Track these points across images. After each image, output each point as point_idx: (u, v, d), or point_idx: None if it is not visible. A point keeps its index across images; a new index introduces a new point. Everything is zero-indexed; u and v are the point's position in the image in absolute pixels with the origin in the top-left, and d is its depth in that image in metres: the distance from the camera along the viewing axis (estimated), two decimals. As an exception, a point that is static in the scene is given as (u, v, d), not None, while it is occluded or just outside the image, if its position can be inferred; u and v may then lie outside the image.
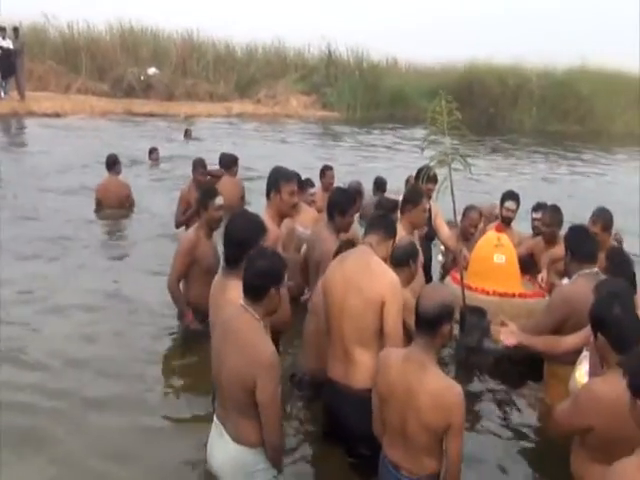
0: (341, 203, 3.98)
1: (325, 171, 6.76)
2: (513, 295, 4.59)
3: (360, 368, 2.86)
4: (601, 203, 4.90)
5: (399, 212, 4.19)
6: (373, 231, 3.02)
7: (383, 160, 13.38)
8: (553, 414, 2.55)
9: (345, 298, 2.89)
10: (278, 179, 3.62)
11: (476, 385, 4.16)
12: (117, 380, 3.94)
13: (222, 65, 22.15)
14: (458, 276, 4.46)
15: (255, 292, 2.39)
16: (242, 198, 6.92)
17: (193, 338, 4.16)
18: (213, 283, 3.08)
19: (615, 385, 2.16)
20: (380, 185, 6.56)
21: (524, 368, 4.05)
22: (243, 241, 2.80)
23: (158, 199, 8.28)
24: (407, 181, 6.20)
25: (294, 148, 14.19)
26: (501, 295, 4.57)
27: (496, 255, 4.72)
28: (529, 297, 4.59)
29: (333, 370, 3.00)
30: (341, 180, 6.47)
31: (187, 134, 13.84)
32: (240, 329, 2.37)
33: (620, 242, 4.76)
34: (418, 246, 3.70)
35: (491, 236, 4.89)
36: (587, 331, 2.92)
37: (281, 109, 20.61)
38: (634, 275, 3.67)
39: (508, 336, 3.30)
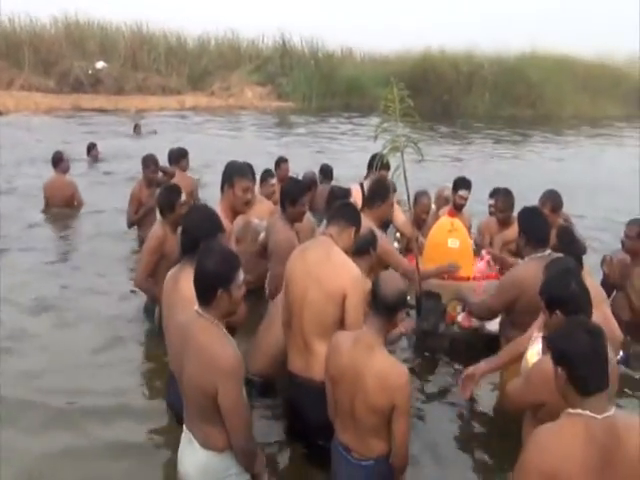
0: (292, 193, 3.99)
1: (280, 163, 6.72)
2: (468, 278, 4.68)
3: (321, 360, 2.83)
4: (551, 184, 5.06)
5: (365, 207, 4.19)
6: (334, 221, 3.00)
7: (339, 149, 13.41)
8: (506, 392, 2.61)
9: (305, 290, 2.88)
10: (232, 174, 3.59)
11: (433, 368, 4.25)
12: (73, 392, 3.81)
13: (174, 57, 21.73)
14: (414, 262, 4.51)
15: (203, 295, 2.30)
16: (192, 193, 6.82)
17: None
18: (166, 279, 3.04)
19: None
20: (326, 173, 6.51)
21: (480, 349, 4.12)
22: (199, 236, 2.77)
23: (105, 197, 8.08)
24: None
25: (250, 140, 14.08)
26: (456, 279, 4.65)
27: (450, 240, 4.79)
28: (483, 279, 4.69)
29: (293, 363, 3.00)
30: (298, 171, 6.43)
31: (136, 129, 13.56)
32: (197, 335, 2.29)
33: (568, 222, 4.92)
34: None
35: (444, 221, 4.96)
36: (540, 322, 3.00)
37: (236, 101, 20.42)
38: (582, 253, 3.79)
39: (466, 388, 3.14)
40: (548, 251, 3.47)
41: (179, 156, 6.83)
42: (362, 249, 3.39)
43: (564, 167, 12.18)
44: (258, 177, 5.26)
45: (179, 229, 4.02)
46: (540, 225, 3.54)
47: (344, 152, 12.83)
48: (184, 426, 2.46)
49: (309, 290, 2.88)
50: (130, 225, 6.18)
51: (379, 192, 4.13)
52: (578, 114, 21.13)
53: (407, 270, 4.07)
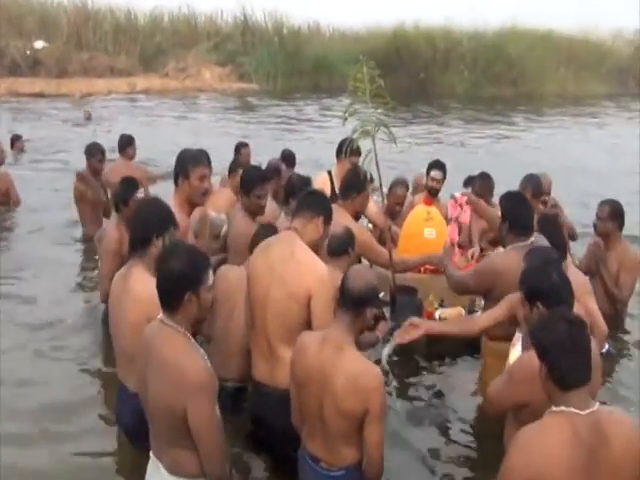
0: (245, 181, 3.98)
1: (240, 149, 6.66)
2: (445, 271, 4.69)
3: (286, 367, 2.81)
4: (533, 167, 5.14)
5: (339, 199, 4.14)
6: (298, 213, 2.98)
7: (306, 133, 13.41)
8: (487, 394, 2.64)
9: (268, 291, 2.87)
10: (186, 163, 3.55)
11: (409, 370, 4.29)
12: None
13: (123, 35, 21.31)
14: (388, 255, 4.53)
15: (168, 300, 2.26)
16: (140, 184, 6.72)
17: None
18: (114, 280, 2.98)
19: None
20: (288, 159, 6.47)
21: (460, 347, 4.20)
22: (149, 232, 2.77)
23: (40, 191, 7.91)
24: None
25: (209, 125, 13.97)
26: (433, 272, 4.70)
27: (426, 230, 4.87)
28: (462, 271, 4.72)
29: (258, 371, 2.99)
30: (262, 158, 6.39)
31: (87, 116, 13.34)
32: (161, 347, 2.25)
33: (557, 207, 4.99)
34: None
35: (420, 210, 5.01)
36: (503, 307, 3.04)
37: (193, 83, 20.18)
38: (565, 242, 3.86)
39: (405, 332, 3.05)
40: (531, 239, 3.51)
41: (124, 143, 6.73)
42: (339, 250, 3.39)
43: (546, 149, 12.39)
44: (219, 166, 5.18)
45: None
46: (524, 211, 3.58)
47: (311, 137, 12.82)
48: (150, 452, 2.40)
49: (272, 290, 2.86)
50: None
51: (354, 183, 4.13)
52: (561, 92, 21.52)
53: (388, 262, 4.07)
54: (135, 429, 2.75)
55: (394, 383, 3.86)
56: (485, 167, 5.92)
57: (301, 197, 3.07)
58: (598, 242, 4.64)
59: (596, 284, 4.39)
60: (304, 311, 2.80)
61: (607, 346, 4.03)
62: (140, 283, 2.79)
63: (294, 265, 2.83)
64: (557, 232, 4.21)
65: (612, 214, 4.53)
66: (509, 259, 3.42)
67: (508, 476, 1.99)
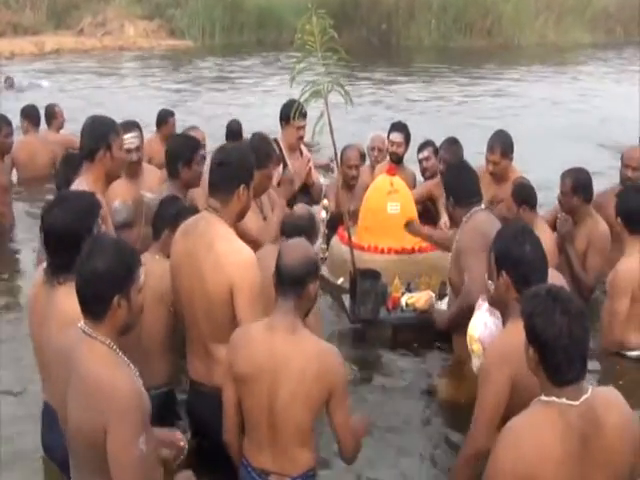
0: (184, 150, 3.99)
1: (167, 118, 6.61)
2: (412, 250, 4.77)
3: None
4: (509, 130, 5.22)
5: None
6: (212, 189, 2.93)
7: (250, 96, 13.34)
8: (471, 437, 2.61)
9: (192, 287, 2.90)
10: (106, 132, 3.53)
11: (372, 364, 4.32)
12: None
13: (27, -14, 20.75)
14: (346, 234, 4.52)
15: (92, 307, 2.22)
16: (55, 164, 6.56)
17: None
18: (30, 295, 2.92)
19: (519, 337, 2.23)
20: (234, 132, 6.37)
21: (429, 336, 4.27)
22: (70, 235, 2.68)
23: None
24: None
25: (133, 90, 13.79)
26: (398, 252, 4.74)
27: (390, 204, 4.84)
28: (431, 250, 4.78)
29: (194, 369, 3.04)
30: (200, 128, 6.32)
31: (7, 82, 13.13)
32: (83, 362, 2.20)
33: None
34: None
35: (382, 181, 4.99)
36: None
37: (113, 41, 19.86)
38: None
39: None
40: (482, 206, 3.65)
41: (30, 113, 6.58)
42: (298, 234, 3.31)
43: (524, 109, 12.60)
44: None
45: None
46: (467, 178, 3.71)
47: (255, 101, 12.75)
48: None
49: (195, 286, 2.89)
50: None
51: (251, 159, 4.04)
52: (541, 42, 21.84)
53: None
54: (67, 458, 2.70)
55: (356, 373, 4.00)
56: (458, 130, 5.97)
57: (212, 170, 3.00)
58: (565, 217, 4.63)
59: (561, 266, 4.32)
60: (229, 309, 2.82)
61: None
62: (69, 304, 2.67)
63: (213, 257, 2.82)
64: (533, 200, 4.38)
65: (575, 187, 4.53)
66: (484, 218, 3.54)
67: (496, 474, 2.06)
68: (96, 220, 2.85)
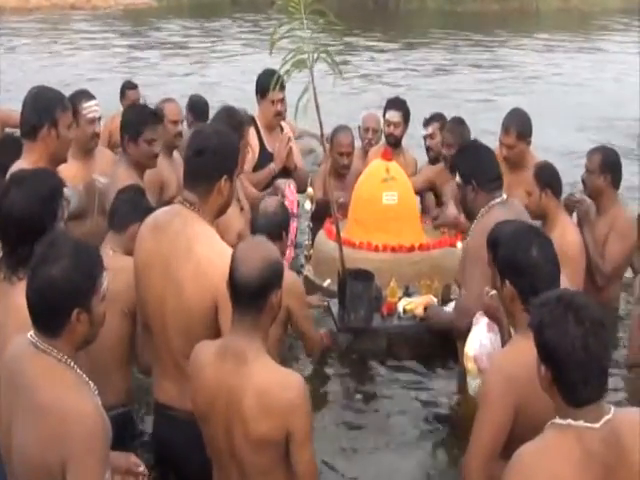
0: (132, 122, 4.07)
1: (126, 90, 6.60)
2: (412, 248, 4.77)
3: None
4: (528, 107, 5.24)
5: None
6: (190, 181, 2.87)
7: (222, 65, 13.39)
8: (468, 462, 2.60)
9: (164, 297, 2.85)
10: (52, 107, 3.55)
11: (364, 379, 4.32)
12: None
13: None
14: (334, 228, 4.55)
15: (47, 321, 2.19)
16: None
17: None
18: None
19: (527, 354, 2.24)
20: (198, 110, 6.23)
21: (431, 348, 4.29)
22: (31, 222, 2.70)
23: None
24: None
25: (86, 57, 13.77)
26: (395, 249, 4.74)
27: (385, 194, 4.86)
28: (434, 248, 4.80)
29: (163, 390, 2.99)
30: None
31: None
32: (34, 382, 2.18)
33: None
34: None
35: (377, 167, 5.00)
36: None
37: (62, -3, 19.77)
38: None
39: None
40: (504, 195, 3.65)
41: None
42: (272, 234, 3.34)
43: (532, 84, 12.69)
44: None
45: None
46: (488, 157, 3.70)
47: (227, 71, 12.76)
48: None
49: (168, 297, 2.84)
50: None
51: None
52: (563, 7, 21.94)
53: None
54: None
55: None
56: (463, 109, 5.99)
57: (188, 157, 2.95)
58: (582, 197, 4.66)
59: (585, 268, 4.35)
60: (210, 325, 2.77)
61: None
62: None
63: (193, 264, 2.76)
64: (559, 186, 4.38)
65: (603, 165, 4.56)
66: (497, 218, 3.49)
67: None
68: (61, 203, 2.85)
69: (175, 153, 4.84)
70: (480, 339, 3.09)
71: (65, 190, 4.06)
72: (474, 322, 3.18)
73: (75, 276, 2.18)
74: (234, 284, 2.43)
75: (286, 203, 4.61)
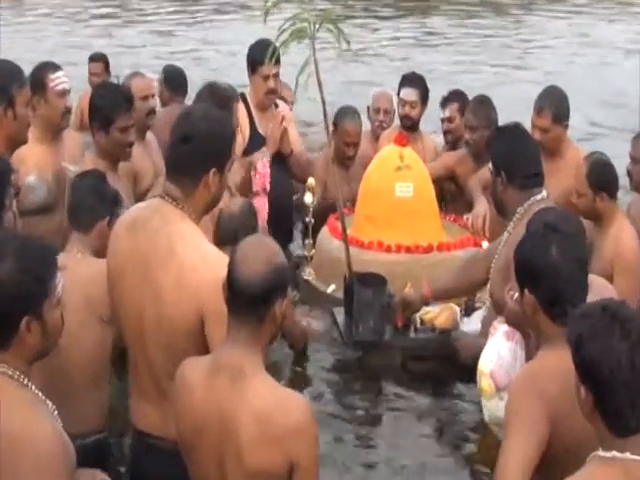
0: (103, 107, 4.09)
1: (92, 63, 6.75)
2: (429, 248, 4.72)
3: None
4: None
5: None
6: (173, 172, 2.85)
7: (209, 36, 13.44)
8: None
9: (143, 308, 2.84)
10: (7, 83, 3.57)
11: (375, 401, 4.28)
12: None
13: None
14: (339, 225, 4.54)
15: None
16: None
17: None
18: None
19: (560, 369, 2.25)
20: (174, 83, 6.20)
21: (451, 366, 4.24)
22: None
23: None
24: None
25: (45, 23, 14.00)
26: (410, 250, 4.70)
27: (399, 185, 4.82)
28: (455, 248, 4.76)
29: (142, 416, 2.98)
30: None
31: None
32: None
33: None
34: None
35: (389, 154, 4.98)
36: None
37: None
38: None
39: None
40: (544, 192, 3.62)
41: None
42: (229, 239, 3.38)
43: (574, 57, 12.64)
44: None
45: None
46: (525, 145, 3.68)
47: (213, 41, 12.85)
48: None
49: (147, 308, 2.82)
50: None
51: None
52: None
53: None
54: None
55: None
56: (489, 88, 5.93)
57: (172, 144, 2.91)
58: (636, 201, 4.60)
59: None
60: (197, 339, 2.75)
61: None
62: None
63: (175, 270, 2.74)
64: (613, 180, 4.30)
65: None
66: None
67: None
68: (8, 189, 2.89)
69: (149, 134, 4.85)
70: (498, 350, 3.06)
71: (30, 178, 4.10)
72: (490, 331, 3.16)
73: (22, 278, 2.19)
74: (232, 287, 2.41)
75: (256, 177, 4.85)
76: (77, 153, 4.58)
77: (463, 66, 11.65)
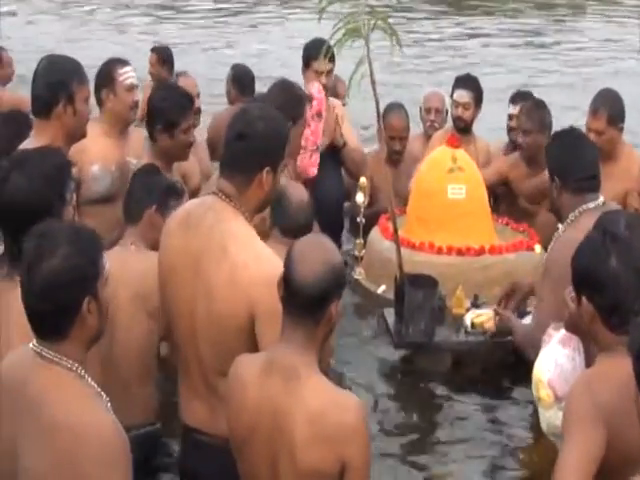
0: (163, 112, 4.07)
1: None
2: (481, 250, 4.71)
3: None
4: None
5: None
6: (228, 169, 2.88)
7: (258, 35, 13.46)
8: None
9: (195, 305, 2.86)
10: (68, 79, 3.59)
11: (427, 406, 4.28)
12: None
13: None
14: (390, 226, 4.53)
15: (54, 323, 2.22)
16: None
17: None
18: None
19: (619, 378, 2.21)
20: (243, 83, 6.23)
21: (506, 369, 4.24)
22: (37, 207, 2.74)
23: None
24: None
25: (100, 22, 13.83)
26: (461, 252, 4.70)
27: (451, 186, 4.83)
28: (508, 251, 4.74)
29: (191, 412, 2.99)
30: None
31: None
32: (41, 397, 2.19)
33: None
34: None
35: (442, 155, 4.99)
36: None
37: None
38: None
39: None
40: (601, 198, 3.56)
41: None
42: (302, 226, 3.40)
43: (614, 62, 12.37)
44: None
45: None
46: (583, 150, 3.62)
47: (266, 41, 12.84)
48: None
49: (198, 304, 2.84)
50: None
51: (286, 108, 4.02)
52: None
53: None
54: None
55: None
56: (551, 88, 5.88)
57: (228, 141, 2.92)
58: None
59: None
60: (245, 338, 2.76)
61: None
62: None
63: (227, 269, 2.75)
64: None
65: None
66: (581, 232, 3.40)
67: None
68: (68, 183, 2.86)
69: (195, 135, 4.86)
70: (555, 358, 3.01)
71: (94, 168, 4.17)
72: (545, 339, 3.11)
73: (79, 261, 2.21)
74: (288, 286, 2.41)
75: (314, 103, 4.87)
76: (141, 149, 4.58)
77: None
